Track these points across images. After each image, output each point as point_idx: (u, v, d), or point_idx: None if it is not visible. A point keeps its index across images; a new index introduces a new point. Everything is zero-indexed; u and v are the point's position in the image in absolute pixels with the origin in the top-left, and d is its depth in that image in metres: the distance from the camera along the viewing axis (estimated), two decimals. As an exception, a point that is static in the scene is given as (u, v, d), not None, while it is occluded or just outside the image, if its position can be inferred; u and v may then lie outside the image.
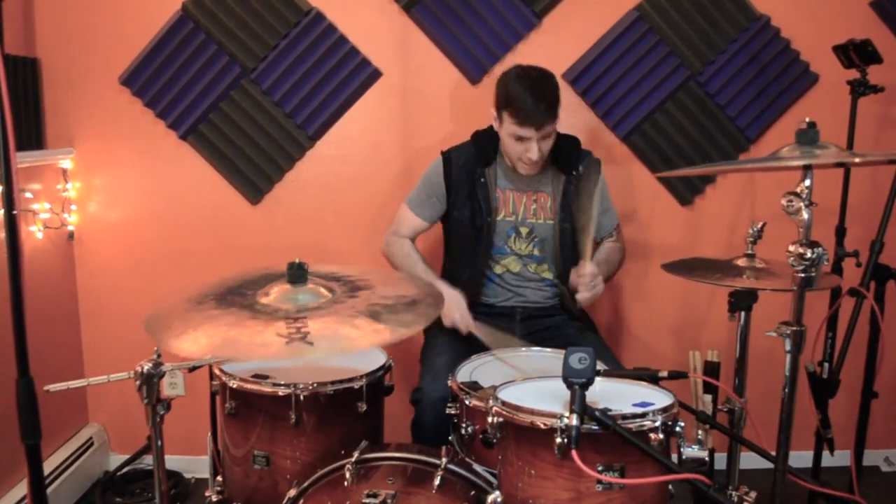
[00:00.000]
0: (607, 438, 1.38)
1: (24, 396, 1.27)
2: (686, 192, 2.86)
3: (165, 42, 2.68)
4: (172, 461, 2.89)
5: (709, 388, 1.95)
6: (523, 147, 2.22)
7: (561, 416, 1.37)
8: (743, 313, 1.78)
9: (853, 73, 2.46)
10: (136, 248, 2.86)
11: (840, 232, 2.49)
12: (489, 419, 1.51)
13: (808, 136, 1.36)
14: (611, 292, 2.93)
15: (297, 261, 1.48)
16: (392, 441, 2.12)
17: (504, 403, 1.50)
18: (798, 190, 1.37)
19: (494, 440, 1.56)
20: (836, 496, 1.76)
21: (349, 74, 2.74)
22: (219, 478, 2.08)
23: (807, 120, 1.38)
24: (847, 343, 2.07)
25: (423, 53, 2.76)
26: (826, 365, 2.28)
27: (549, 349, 2.18)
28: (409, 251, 2.46)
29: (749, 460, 1.98)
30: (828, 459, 2.48)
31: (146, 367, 1.50)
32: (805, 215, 1.36)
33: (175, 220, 2.85)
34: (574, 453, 1.24)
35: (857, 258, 2.26)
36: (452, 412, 1.92)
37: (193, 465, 2.87)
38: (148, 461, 2.91)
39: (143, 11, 2.67)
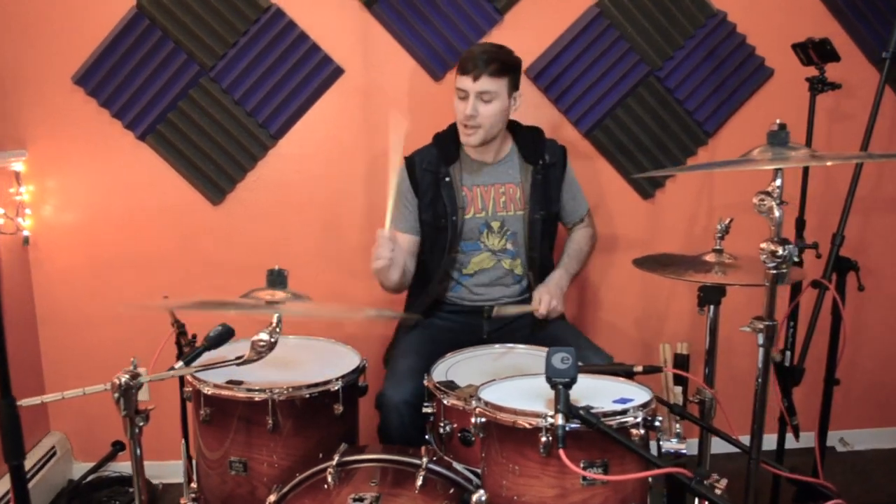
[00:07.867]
0: (590, 435, 1.41)
1: (7, 417, 1.22)
2: (647, 186, 2.91)
3: (120, 40, 2.60)
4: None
5: (679, 380, 2.00)
6: (463, 105, 2.26)
7: (545, 416, 1.39)
8: (712, 307, 1.82)
9: (810, 70, 2.53)
10: (94, 252, 2.78)
11: (800, 224, 2.53)
12: (473, 420, 1.53)
13: (779, 138, 1.40)
14: (576, 284, 2.96)
15: (276, 267, 1.46)
16: (366, 443, 2.14)
17: (487, 404, 1.51)
18: (769, 189, 1.41)
19: (474, 439, 1.58)
20: (803, 481, 1.82)
21: (311, 72, 2.71)
22: (193, 484, 2.06)
23: (777, 122, 1.42)
24: (811, 333, 2.13)
25: (385, 50, 2.74)
26: (788, 353, 2.35)
27: (520, 346, 2.21)
28: None
29: (717, 444, 2.01)
30: (790, 441, 2.54)
31: (123, 379, 1.47)
32: (777, 213, 1.41)
33: (134, 222, 2.78)
34: (561, 452, 1.26)
35: (817, 250, 2.30)
36: (429, 411, 1.94)
37: (159, 469, 2.80)
38: (114, 468, 2.86)
39: (97, 8, 2.59)
